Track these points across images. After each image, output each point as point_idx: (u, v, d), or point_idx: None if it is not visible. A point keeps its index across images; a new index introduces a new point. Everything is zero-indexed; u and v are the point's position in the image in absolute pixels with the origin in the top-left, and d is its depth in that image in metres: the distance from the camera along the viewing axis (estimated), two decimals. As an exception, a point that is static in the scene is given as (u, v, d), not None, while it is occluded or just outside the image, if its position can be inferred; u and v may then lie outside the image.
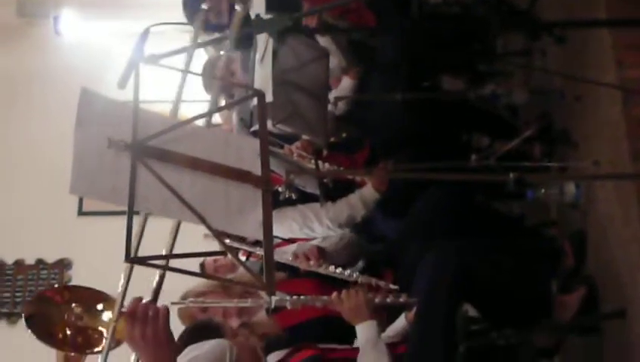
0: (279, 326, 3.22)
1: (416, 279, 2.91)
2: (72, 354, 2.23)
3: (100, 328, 2.16)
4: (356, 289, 3.03)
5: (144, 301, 1.91)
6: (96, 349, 2.13)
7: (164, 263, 1.85)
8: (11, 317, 6.62)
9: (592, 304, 2.98)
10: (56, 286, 6.43)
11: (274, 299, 2.95)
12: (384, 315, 3.12)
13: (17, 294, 6.76)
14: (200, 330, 2.84)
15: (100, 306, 2.14)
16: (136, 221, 1.82)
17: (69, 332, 2.13)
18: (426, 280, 2.84)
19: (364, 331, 2.93)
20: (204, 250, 2.05)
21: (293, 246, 3.78)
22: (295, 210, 3.69)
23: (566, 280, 3.06)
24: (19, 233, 6.74)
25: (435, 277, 2.81)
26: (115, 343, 2.01)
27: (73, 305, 2.13)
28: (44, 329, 2.13)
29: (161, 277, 1.96)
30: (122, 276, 1.91)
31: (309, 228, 3.70)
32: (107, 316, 2.15)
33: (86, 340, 2.13)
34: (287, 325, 3.25)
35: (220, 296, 3.30)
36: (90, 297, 2.16)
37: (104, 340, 2.10)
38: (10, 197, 6.90)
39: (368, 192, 3.59)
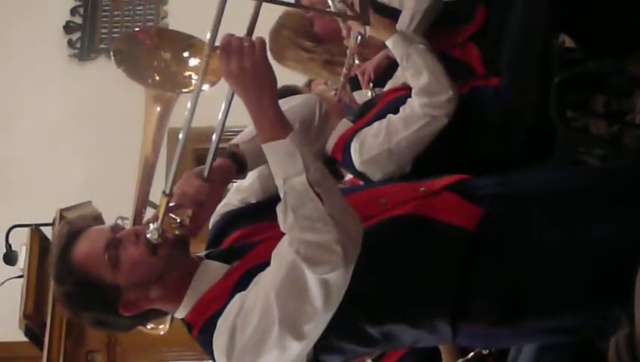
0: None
1: (511, 16, 2.85)
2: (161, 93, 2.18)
3: (189, 73, 2.10)
4: None
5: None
6: (186, 89, 2.08)
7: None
8: (109, 53, 6.68)
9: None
10: (149, 24, 6.53)
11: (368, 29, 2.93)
12: None
13: (114, 30, 6.80)
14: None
15: (186, 53, 2.11)
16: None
17: (157, 77, 2.12)
18: (520, 18, 2.78)
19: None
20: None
21: None
22: None
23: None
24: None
25: (529, 14, 2.75)
26: (210, 83, 1.92)
27: (162, 52, 2.10)
28: (134, 70, 2.13)
29: (257, 9, 1.76)
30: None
31: None
32: (194, 62, 2.08)
33: (176, 85, 2.11)
34: None
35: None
36: (179, 42, 2.12)
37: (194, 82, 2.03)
38: None
39: None
